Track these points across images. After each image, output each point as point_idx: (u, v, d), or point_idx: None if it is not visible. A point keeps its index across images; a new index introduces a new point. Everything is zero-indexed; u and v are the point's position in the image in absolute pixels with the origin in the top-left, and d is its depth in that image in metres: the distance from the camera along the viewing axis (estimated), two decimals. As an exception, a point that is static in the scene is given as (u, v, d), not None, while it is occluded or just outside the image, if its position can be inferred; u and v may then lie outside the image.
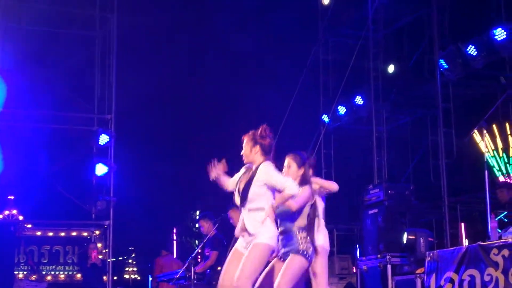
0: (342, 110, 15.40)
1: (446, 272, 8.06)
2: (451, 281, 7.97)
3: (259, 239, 5.93)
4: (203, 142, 20.17)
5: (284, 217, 6.41)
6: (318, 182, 6.88)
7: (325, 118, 15.81)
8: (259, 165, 6.09)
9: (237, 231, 6.15)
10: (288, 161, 6.63)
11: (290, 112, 15.14)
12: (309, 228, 6.44)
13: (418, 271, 9.58)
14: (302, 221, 6.42)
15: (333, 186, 6.99)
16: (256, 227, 5.96)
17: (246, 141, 6.18)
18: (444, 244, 13.01)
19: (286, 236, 6.41)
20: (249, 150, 6.14)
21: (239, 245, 6.15)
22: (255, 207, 6.01)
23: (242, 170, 6.28)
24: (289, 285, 6.24)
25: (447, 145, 13.99)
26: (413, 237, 10.02)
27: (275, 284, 6.25)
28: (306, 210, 6.44)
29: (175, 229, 24.45)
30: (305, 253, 6.33)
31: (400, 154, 15.76)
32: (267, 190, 6.03)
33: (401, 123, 15.97)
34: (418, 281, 9.48)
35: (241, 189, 6.09)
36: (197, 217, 25.78)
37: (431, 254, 8.39)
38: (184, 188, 22.54)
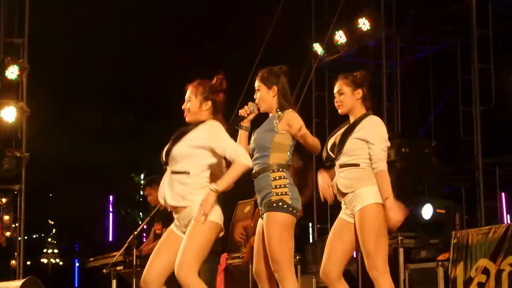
0: (340, 37, 15.33)
1: (478, 259, 8.11)
2: (485, 271, 8.02)
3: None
4: (150, 79, 20.02)
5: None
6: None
7: (318, 48, 15.76)
8: (202, 122, 6.13)
9: (160, 198, 6.20)
10: (259, 85, 6.44)
11: (270, 39, 15.04)
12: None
13: (441, 257, 9.62)
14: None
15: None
16: (185, 197, 6.02)
17: (193, 93, 6.18)
18: (476, 221, 13.08)
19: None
20: (198, 105, 6.15)
21: (173, 225, 6.23)
22: (181, 170, 6.04)
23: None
24: (289, 245, 6.20)
25: (484, 86, 13.98)
26: (443, 211, 10.01)
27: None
28: None
29: (111, 197, 24.52)
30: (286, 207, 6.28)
31: (418, 99, 15.78)
32: (200, 151, 6.03)
33: (420, 56, 15.97)
34: (440, 271, 9.50)
35: (171, 147, 6.11)
36: (142, 183, 25.87)
37: (459, 235, 8.42)
38: (122, 142, 22.46)
